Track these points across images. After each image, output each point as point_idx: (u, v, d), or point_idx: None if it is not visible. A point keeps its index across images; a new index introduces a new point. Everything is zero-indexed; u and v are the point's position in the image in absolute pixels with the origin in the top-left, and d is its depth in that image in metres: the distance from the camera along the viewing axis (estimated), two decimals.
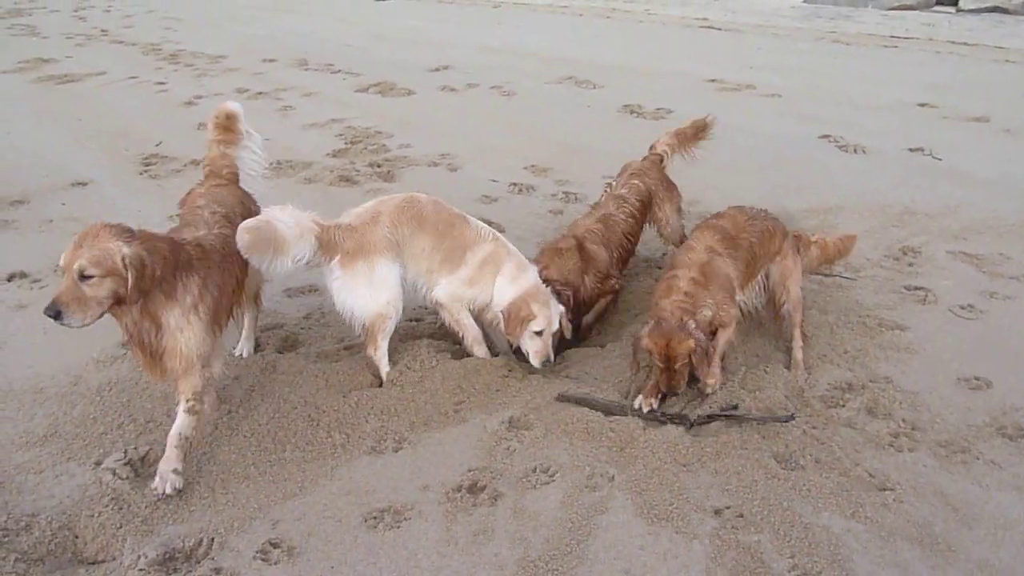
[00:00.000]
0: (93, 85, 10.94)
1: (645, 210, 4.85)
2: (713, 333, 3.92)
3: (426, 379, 3.91)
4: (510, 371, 4.05)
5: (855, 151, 7.51)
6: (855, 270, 5.12)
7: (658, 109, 9.04)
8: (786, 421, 3.57)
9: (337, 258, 3.77)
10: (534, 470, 3.33)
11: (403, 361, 4.02)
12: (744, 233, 4.12)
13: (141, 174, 7.25)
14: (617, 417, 3.60)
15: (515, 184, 6.80)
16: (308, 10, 18.00)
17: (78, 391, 3.93)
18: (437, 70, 11.47)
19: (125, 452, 3.44)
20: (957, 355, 4.16)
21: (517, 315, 3.90)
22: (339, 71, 11.56)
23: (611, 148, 7.72)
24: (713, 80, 10.39)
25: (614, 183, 4.94)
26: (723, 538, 2.95)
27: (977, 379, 3.93)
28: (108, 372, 4.08)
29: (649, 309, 4.03)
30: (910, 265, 5.17)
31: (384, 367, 3.93)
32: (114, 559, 2.93)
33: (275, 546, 2.96)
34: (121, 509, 3.14)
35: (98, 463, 3.41)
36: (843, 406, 3.73)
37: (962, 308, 4.62)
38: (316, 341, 4.38)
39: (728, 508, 3.09)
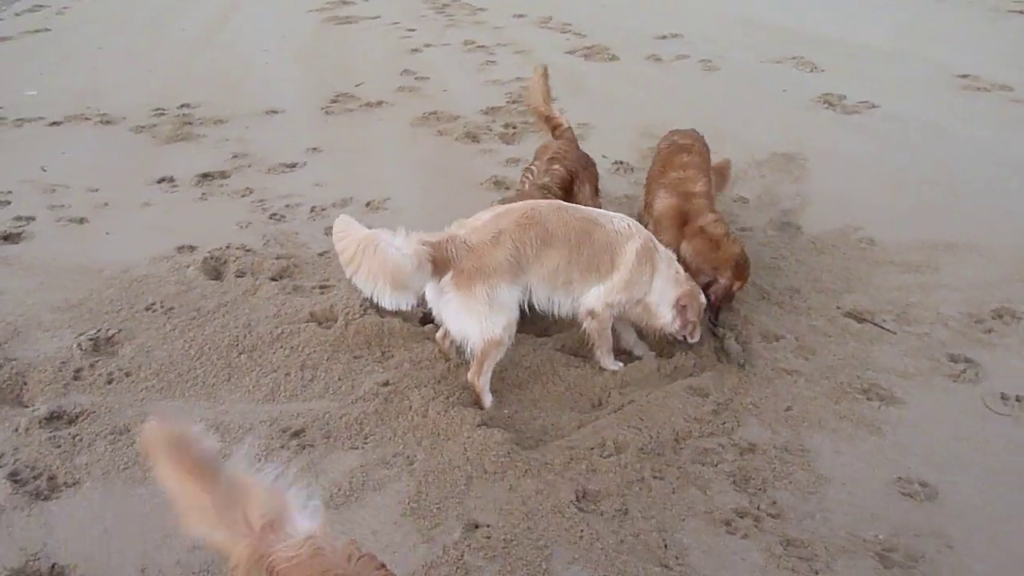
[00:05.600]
0: (359, 28, 12.35)
1: (568, 198, 4.40)
2: None
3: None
4: None
5: None
6: (912, 322, 4.13)
7: (860, 103, 7.78)
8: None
9: (450, 275, 3.41)
10: (355, 435, 3.42)
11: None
12: None
13: (322, 109, 8.24)
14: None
15: (621, 163, 6.49)
16: None
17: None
18: (664, 37, 11.00)
19: None
20: (927, 450, 3.25)
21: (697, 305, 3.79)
22: (570, 31, 11.64)
23: (760, 139, 6.96)
24: (965, 76, 8.55)
25: (534, 169, 4.59)
26: (449, 556, 2.81)
27: (923, 485, 3.06)
28: None
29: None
30: (988, 332, 4.01)
31: (486, 396, 3.62)
32: None
33: None
34: None
35: None
36: (715, 466, 3.18)
37: (1002, 398, 3.54)
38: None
39: (487, 526, 2.92)
